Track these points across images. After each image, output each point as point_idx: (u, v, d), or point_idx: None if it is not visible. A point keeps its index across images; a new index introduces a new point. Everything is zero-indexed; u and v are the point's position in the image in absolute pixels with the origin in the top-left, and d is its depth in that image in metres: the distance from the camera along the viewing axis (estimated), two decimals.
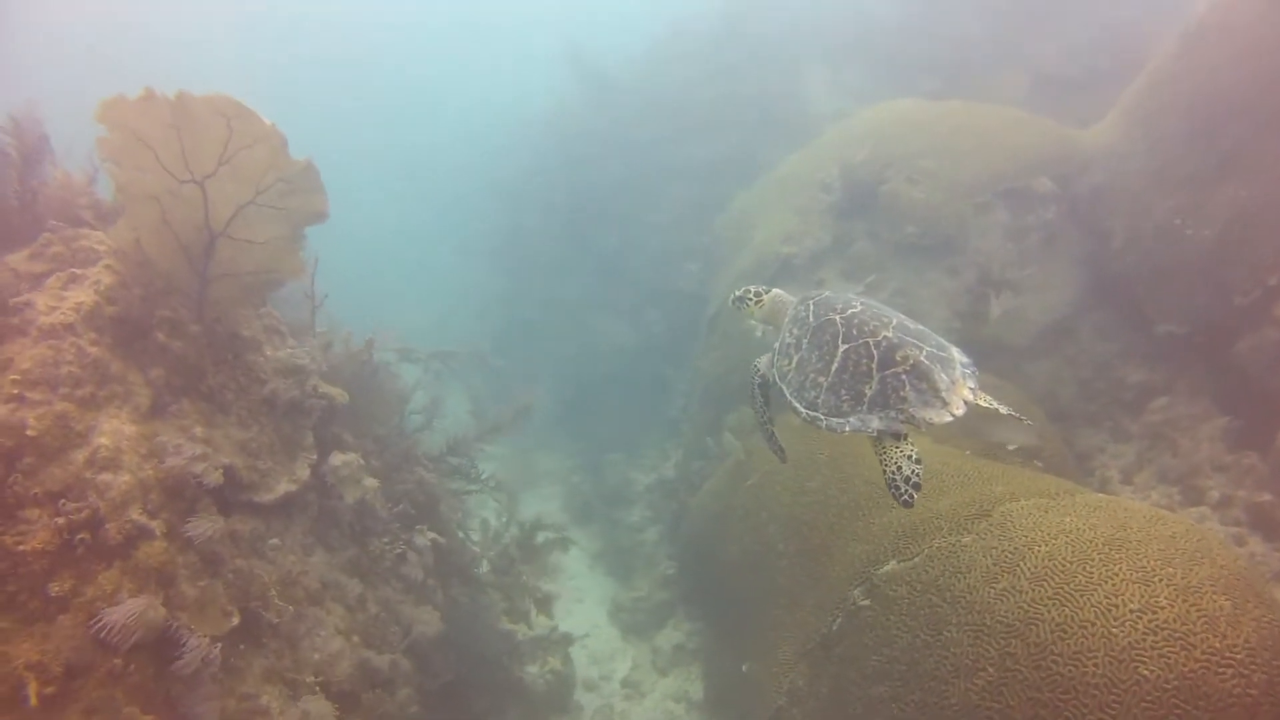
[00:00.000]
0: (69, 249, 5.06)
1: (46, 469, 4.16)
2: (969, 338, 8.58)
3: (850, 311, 3.92)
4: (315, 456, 5.72)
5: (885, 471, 3.63)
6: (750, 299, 4.82)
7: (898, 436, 3.63)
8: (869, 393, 3.65)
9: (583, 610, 10.23)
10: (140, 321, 4.90)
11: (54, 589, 3.97)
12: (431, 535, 6.71)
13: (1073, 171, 9.29)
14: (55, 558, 4.02)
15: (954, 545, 4.98)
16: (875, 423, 3.61)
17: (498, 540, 8.65)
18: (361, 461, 6.08)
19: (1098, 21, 12.41)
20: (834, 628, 5.50)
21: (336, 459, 5.76)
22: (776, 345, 4.35)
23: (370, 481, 5.97)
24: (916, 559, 5.15)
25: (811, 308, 4.15)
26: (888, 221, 9.50)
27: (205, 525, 4.39)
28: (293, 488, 5.34)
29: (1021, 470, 6.10)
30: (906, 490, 3.56)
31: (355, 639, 5.59)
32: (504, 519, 8.77)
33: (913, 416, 3.55)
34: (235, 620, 4.53)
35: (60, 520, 4.05)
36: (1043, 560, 4.43)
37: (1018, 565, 4.52)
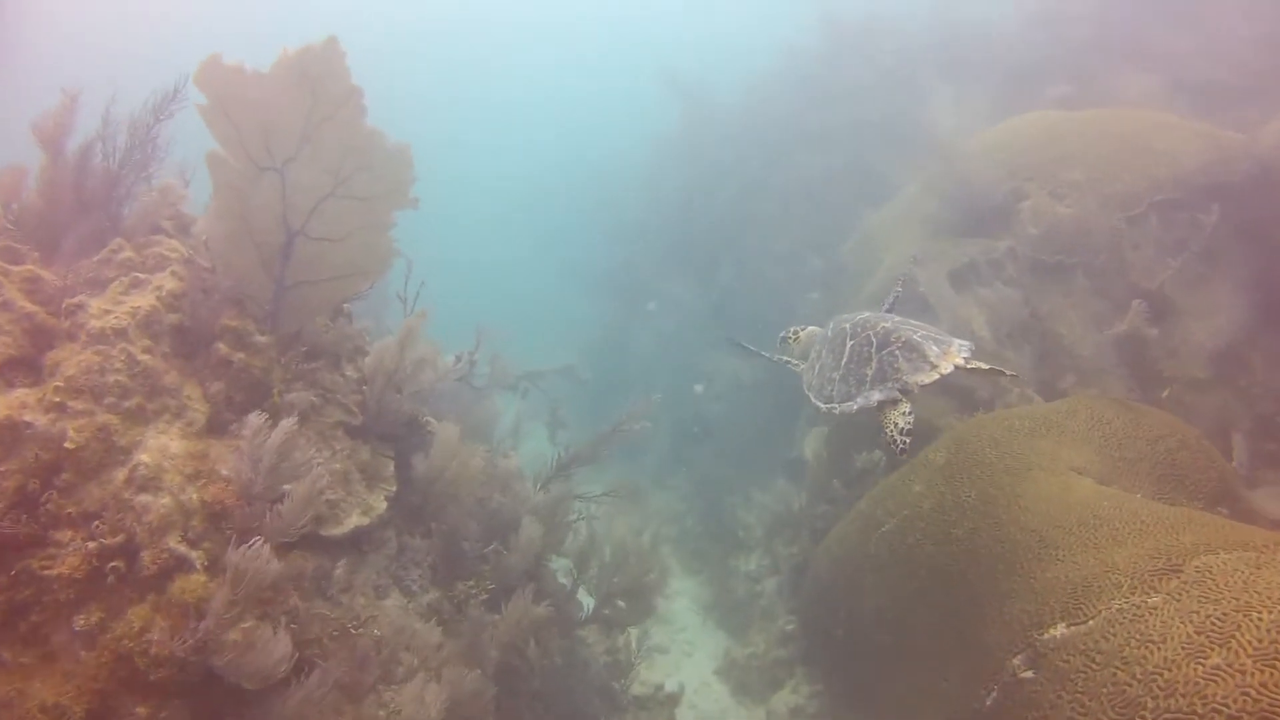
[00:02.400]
0: (139, 255, 4.71)
1: (84, 487, 3.70)
2: (1125, 365, 7.54)
3: (859, 319, 4.50)
4: (395, 488, 5.15)
5: (885, 433, 4.12)
6: (790, 338, 5.39)
7: (895, 402, 4.11)
8: (870, 373, 4.19)
9: (692, 665, 9.32)
10: (204, 331, 4.46)
11: (80, 622, 3.47)
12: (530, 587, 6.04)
13: (1238, 180, 8.01)
14: (84, 587, 3.54)
15: (1139, 607, 3.94)
16: (876, 395, 4.13)
17: (601, 578, 7.90)
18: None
19: (1251, 18, 10.95)
20: (987, 703, 4.50)
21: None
22: (807, 364, 4.94)
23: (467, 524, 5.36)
24: (1092, 622, 4.12)
25: (831, 327, 4.73)
26: (1030, 239, 8.42)
27: (252, 559, 3.82)
28: (364, 521, 4.77)
29: (1210, 516, 4.99)
30: (901, 440, 4.07)
31: (430, 694, 4.93)
32: (608, 554, 8.01)
33: (905, 382, 4.07)
34: (285, 668, 3.94)
35: (92, 545, 3.57)
36: (1271, 632, 3.36)
37: (1233, 637, 3.46)
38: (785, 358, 5.29)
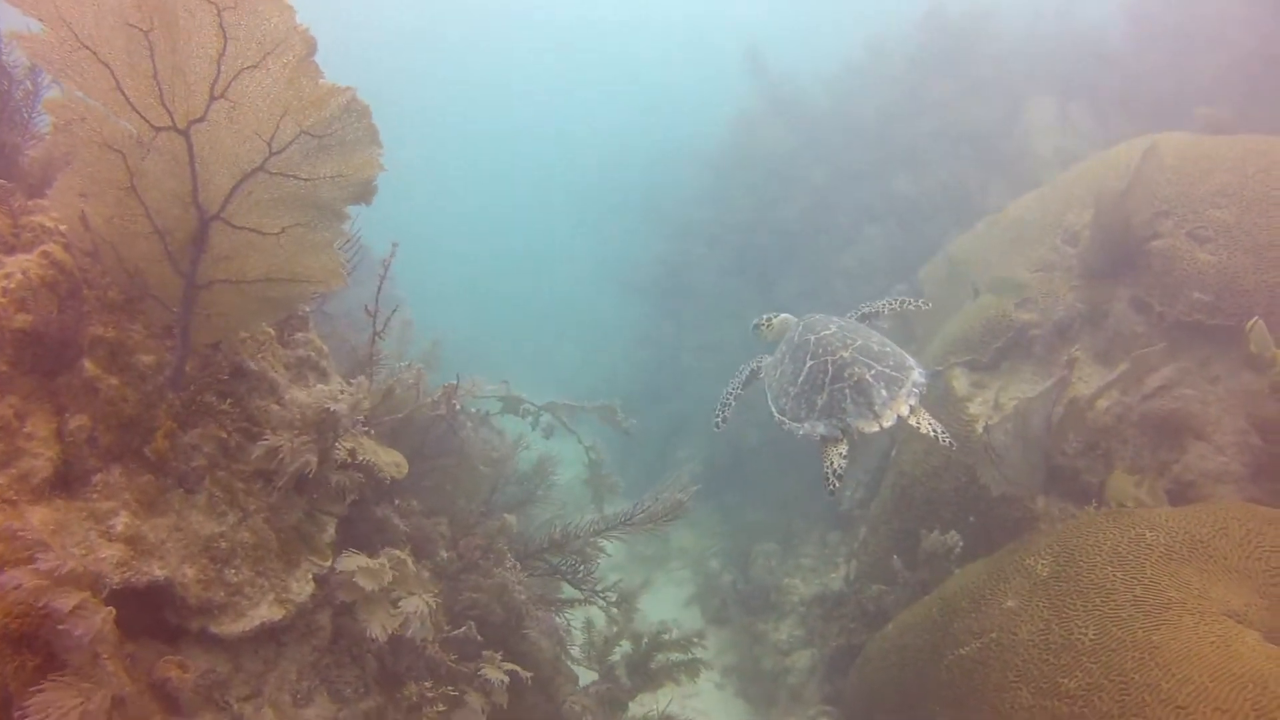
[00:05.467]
0: (12, 224, 3.49)
1: None
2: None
3: (825, 333, 4.45)
4: (330, 562, 3.89)
5: (824, 468, 4.16)
6: (763, 325, 5.23)
7: (836, 440, 4.18)
8: (820, 402, 4.23)
9: None
10: (68, 342, 3.22)
11: None
12: (509, 667, 4.75)
13: None
14: None
15: None
16: (821, 429, 4.21)
17: (604, 654, 6.63)
18: (402, 563, 4.20)
19: None
20: None
21: (350, 562, 3.87)
22: (772, 359, 4.88)
23: (413, 604, 4.07)
24: None
25: (800, 328, 4.70)
26: (1162, 289, 6.88)
27: (65, 698, 2.58)
28: (277, 615, 3.50)
29: None
30: (833, 480, 4.14)
31: None
32: (614, 629, 6.74)
33: (848, 425, 4.14)
34: None
35: None
36: None
37: None
38: (751, 367, 5.12)
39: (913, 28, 14.81)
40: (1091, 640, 4.42)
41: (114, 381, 3.20)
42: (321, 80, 3.28)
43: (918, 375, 4.26)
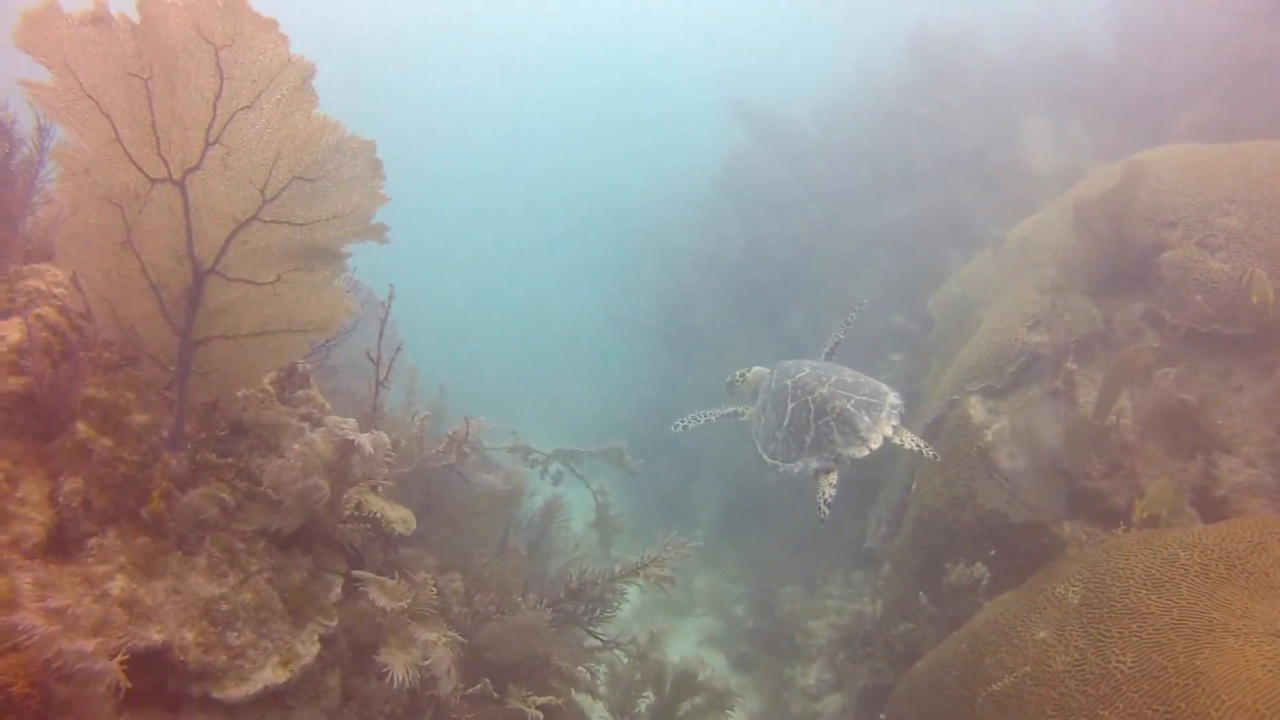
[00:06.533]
0: (9, 289, 3.47)
1: None
2: None
3: (800, 375, 4.69)
4: (335, 622, 3.78)
5: (817, 497, 4.31)
6: (737, 381, 5.53)
7: (829, 471, 4.35)
8: (809, 440, 4.43)
9: None
10: (61, 405, 3.17)
11: None
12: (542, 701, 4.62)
13: None
14: None
15: None
16: (814, 463, 4.37)
17: (627, 705, 6.44)
18: (424, 585, 4.09)
19: None
20: None
21: (365, 575, 3.74)
22: (754, 410, 5.08)
23: (436, 648, 3.94)
24: None
25: (775, 376, 4.95)
26: (1173, 301, 6.77)
27: None
28: (281, 678, 3.38)
29: None
30: (824, 509, 4.30)
31: None
32: (638, 675, 6.55)
33: (839, 455, 4.31)
34: None
35: None
36: None
37: None
38: (733, 408, 5.38)
39: (899, 50, 14.86)
40: (1130, 668, 4.23)
41: (108, 443, 3.14)
42: (315, 113, 3.25)
43: (893, 399, 4.50)
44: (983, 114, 13.09)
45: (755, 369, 5.43)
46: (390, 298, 4.66)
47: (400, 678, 3.76)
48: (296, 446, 3.53)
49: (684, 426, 5.40)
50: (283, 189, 3.30)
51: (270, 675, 3.38)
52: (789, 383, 4.69)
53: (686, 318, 15.44)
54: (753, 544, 11.43)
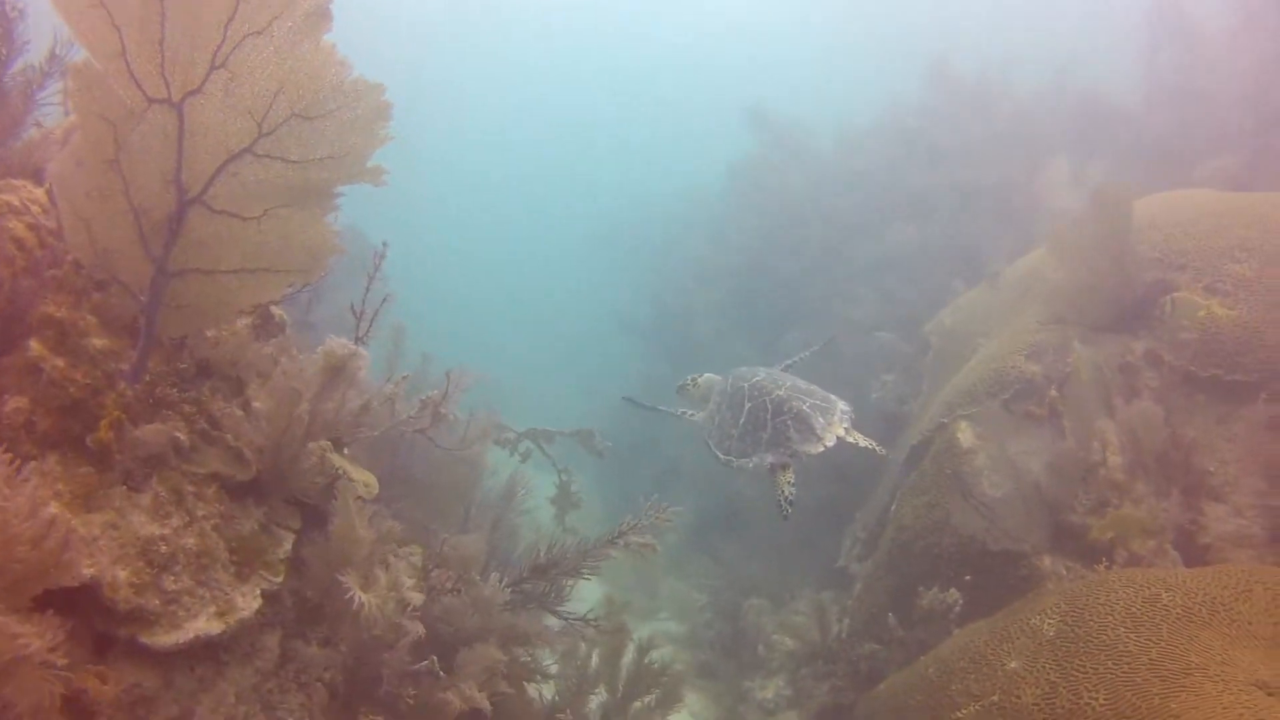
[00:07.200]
0: None
1: None
2: None
3: (756, 379, 4.94)
4: (282, 579, 3.60)
5: (776, 495, 4.55)
6: (689, 385, 5.64)
7: (785, 467, 4.57)
8: (765, 437, 4.64)
9: None
10: (18, 320, 2.99)
11: None
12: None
13: None
14: None
15: None
16: (770, 458, 4.59)
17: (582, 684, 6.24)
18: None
19: None
20: None
21: (340, 461, 3.56)
22: (706, 412, 5.27)
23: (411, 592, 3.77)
24: None
25: (730, 380, 5.15)
26: (1175, 342, 6.67)
27: None
28: (215, 628, 3.20)
29: None
30: (786, 506, 4.52)
31: None
32: (595, 659, 6.35)
33: (795, 450, 4.53)
34: None
35: None
36: None
37: None
38: (682, 409, 5.56)
39: (931, 83, 14.83)
40: (1102, 706, 4.09)
41: (60, 363, 2.96)
42: (324, 41, 3.09)
43: (843, 405, 4.78)
44: (1006, 148, 13.04)
45: (707, 375, 5.63)
46: (383, 252, 4.49)
47: (361, 601, 3.61)
48: (281, 365, 3.36)
49: (634, 402, 5.74)
50: (280, 124, 3.14)
51: (204, 625, 3.19)
52: (745, 385, 4.91)
53: (684, 322, 15.37)
54: (725, 554, 11.28)
